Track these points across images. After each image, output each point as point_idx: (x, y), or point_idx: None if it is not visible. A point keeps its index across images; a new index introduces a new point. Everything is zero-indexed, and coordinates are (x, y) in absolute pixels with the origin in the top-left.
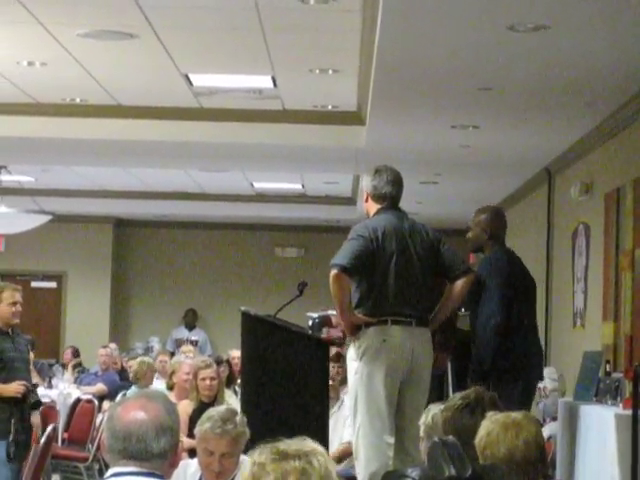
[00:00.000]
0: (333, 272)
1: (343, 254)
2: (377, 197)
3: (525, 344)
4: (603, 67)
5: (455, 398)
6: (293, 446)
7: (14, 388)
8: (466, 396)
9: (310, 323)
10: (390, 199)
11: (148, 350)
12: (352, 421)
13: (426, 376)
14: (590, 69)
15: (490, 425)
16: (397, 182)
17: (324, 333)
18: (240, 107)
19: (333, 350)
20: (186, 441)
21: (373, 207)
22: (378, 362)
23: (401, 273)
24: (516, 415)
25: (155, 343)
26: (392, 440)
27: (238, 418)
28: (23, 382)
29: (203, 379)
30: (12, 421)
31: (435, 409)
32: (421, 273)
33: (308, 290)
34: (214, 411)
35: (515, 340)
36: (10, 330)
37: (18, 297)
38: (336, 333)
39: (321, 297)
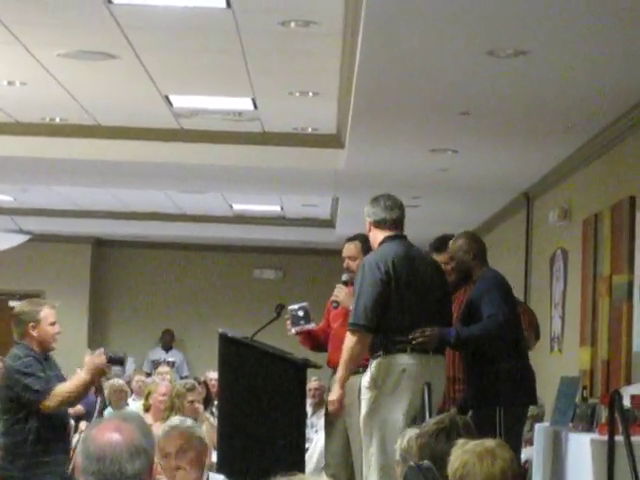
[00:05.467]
0: (356, 335)
1: (362, 311)
2: (378, 223)
3: (524, 367)
4: (582, 93)
5: (429, 424)
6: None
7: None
8: (440, 421)
9: (298, 313)
10: (392, 223)
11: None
12: (365, 449)
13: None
14: (569, 95)
15: (464, 456)
16: (396, 206)
17: (302, 324)
18: (220, 129)
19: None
20: None
21: (378, 235)
22: (399, 393)
23: (415, 302)
24: (489, 443)
25: (130, 363)
26: None
27: (195, 426)
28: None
29: (191, 402)
30: None
31: (411, 432)
32: (434, 299)
33: (285, 312)
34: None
35: (515, 364)
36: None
37: (55, 315)
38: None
39: None
